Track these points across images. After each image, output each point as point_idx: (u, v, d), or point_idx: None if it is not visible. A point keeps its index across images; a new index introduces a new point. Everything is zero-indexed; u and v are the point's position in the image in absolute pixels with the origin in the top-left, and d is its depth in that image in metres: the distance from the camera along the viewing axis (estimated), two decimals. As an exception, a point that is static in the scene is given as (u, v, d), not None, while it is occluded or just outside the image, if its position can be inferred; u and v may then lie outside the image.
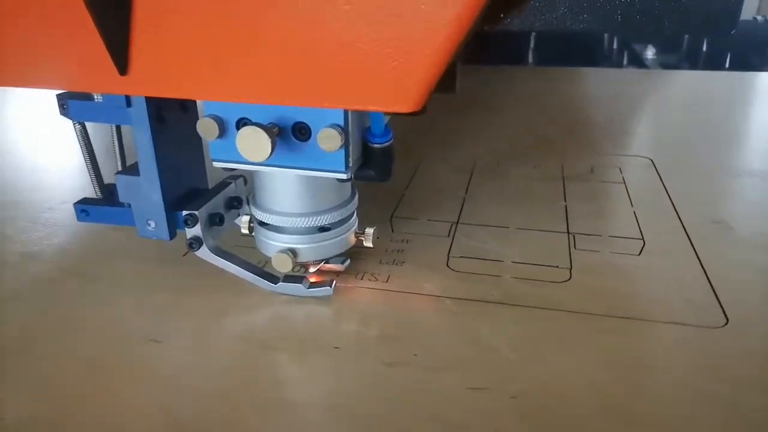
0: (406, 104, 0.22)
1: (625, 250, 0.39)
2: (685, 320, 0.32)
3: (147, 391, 0.28)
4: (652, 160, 0.54)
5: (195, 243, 0.32)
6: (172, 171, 0.32)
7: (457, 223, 0.43)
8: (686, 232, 0.41)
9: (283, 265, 0.32)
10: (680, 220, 0.43)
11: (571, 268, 0.37)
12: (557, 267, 0.37)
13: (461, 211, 0.45)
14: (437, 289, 0.35)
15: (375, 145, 0.30)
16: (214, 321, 0.33)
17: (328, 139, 0.27)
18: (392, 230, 0.42)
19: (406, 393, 0.27)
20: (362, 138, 0.30)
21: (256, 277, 0.34)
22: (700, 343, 0.30)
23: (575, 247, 0.39)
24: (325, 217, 0.32)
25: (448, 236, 0.41)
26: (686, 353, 0.30)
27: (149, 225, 0.32)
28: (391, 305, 0.34)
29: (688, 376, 0.28)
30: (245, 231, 0.34)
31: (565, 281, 0.36)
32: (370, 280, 0.36)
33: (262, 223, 0.33)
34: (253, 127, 0.26)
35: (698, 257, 0.38)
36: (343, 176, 0.29)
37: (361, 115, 0.29)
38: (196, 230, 0.32)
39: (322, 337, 0.31)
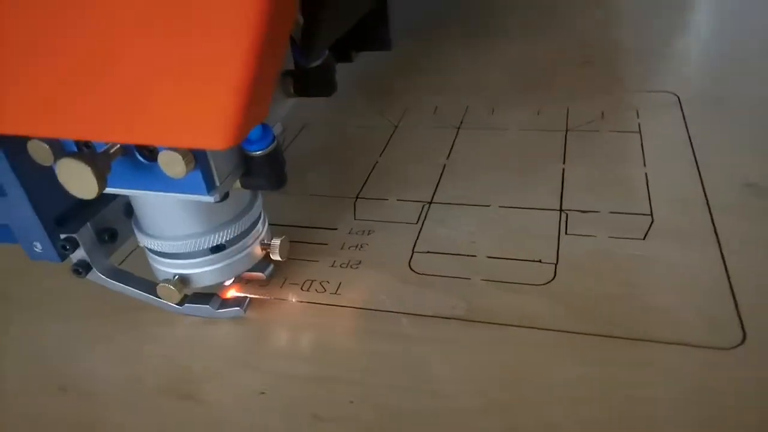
0: (216, 142, 0.18)
1: (627, 233, 0.32)
2: (690, 339, 0.26)
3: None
4: (678, 97, 0.45)
5: (81, 268, 0.28)
6: (46, 183, 0.26)
7: (431, 203, 0.36)
8: (707, 202, 0.33)
9: (169, 297, 0.28)
10: (702, 184, 0.35)
11: (557, 263, 0.31)
12: (540, 262, 0.31)
13: (438, 185, 0.38)
14: (393, 302, 0.30)
15: (253, 154, 0.25)
16: (127, 356, 0.29)
17: (170, 164, 0.21)
18: (355, 217, 0.36)
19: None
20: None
21: (159, 300, 0.29)
22: (703, 372, 0.24)
23: (566, 231, 0.33)
24: (216, 236, 0.27)
25: (417, 222, 0.35)
26: (684, 389, 0.24)
27: (36, 247, 0.28)
28: (334, 328, 0.29)
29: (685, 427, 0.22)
30: (142, 244, 0.29)
31: (548, 283, 0.30)
32: (317, 291, 0.31)
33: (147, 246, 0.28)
34: (72, 160, 0.20)
35: (718, 241, 0.31)
36: (210, 199, 0.24)
37: None
38: (79, 253, 0.28)
39: (248, 378, 0.27)
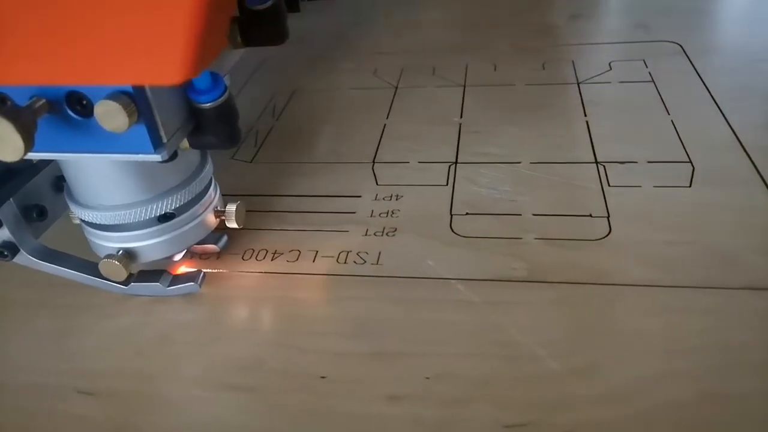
0: (169, 76, 0.16)
1: (671, 181, 0.31)
2: (760, 282, 0.25)
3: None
4: (681, 46, 0.44)
5: (6, 251, 0.25)
6: None
7: (456, 163, 0.34)
8: (742, 146, 0.33)
9: (114, 274, 0.25)
10: (731, 128, 0.34)
11: (609, 217, 0.29)
12: (591, 216, 0.29)
13: (458, 144, 0.36)
14: (443, 269, 0.27)
15: (203, 105, 0.22)
16: (131, 347, 0.25)
17: (109, 116, 0.19)
18: (377, 182, 0.33)
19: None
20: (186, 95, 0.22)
21: (100, 280, 0.26)
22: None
23: (609, 183, 0.31)
24: (164, 204, 0.24)
25: (447, 184, 0.33)
26: (763, 333, 0.23)
27: None
28: (384, 300, 0.26)
29: (789, 372, 0.21)
30: (77, 221, 0.26)
31: (605, 237, 0.28)
32: (356, 262, 0.28)
33: (83, 219, 0.25)
34: None
35: (764, 181, 0.30)
36: (156, 158, 0.21)
37: None
38: (3, 234, 0.24)
39: (298, 361, 0.24)
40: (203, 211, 0.26)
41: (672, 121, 0.35)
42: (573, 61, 0.44)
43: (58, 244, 0.27)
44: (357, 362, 0.23)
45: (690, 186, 0.30)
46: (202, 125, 0.23)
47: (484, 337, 0.24)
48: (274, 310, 0.26)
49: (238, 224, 0.27)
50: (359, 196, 0.32)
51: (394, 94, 0.42)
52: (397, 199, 0.32)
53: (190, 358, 0.24)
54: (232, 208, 0.27)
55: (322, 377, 0.23)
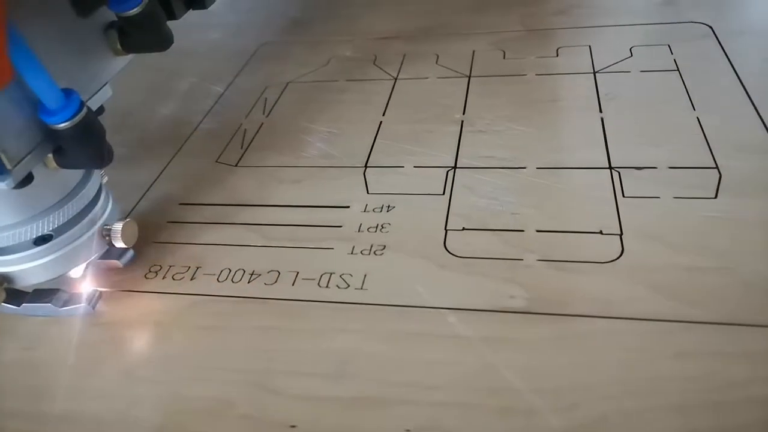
0: None
1: (694, 191, 0.27)
2: (801, 317, 0.21)
3: None
4: (711, 28, 0.40)
5: None
6: None
7: (455, 168, 0.31)
8: (778, 148, 0.29)
9: None
10: (765, 126, 0.30)
11: (621, 234, 0.26)
12: (601, 233, 0.26)
13: (459, 146, 0.33)
14: (434, 296, 0.24)
15: (56, 126, 0.20)
16: (84, 385, 0.23)
17: None
18: (367, 190, 0.31)
19: None
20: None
21: None
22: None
23: (623, 194, 0.28)
24: (38, 226, 0.23)
25: (444, 193, 0.30)
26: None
27: None
28: (370, 334, 0.23)
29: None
30: None
31: (617, 259, 0.25)
32: (339, 287, 0.26)
33: None
34: None
35: (803, 193, 0.26)
36: (2, 185, 0.19)
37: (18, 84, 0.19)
38: None
39: (266, 405, 0.21)
40: (87, 231, 0.24)
41: (698, 117, 0.32)
42: (590, 47, 0.40)
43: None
44: (333, 409, 0.21)
45: (716, 197, 0.27)
46: (62, 146, 0.21)
47: (476, 381, 0.21)
48: (248, 343, 0.24)
49: (126, 244, 0.25)
50: (347, 207, 0.30)
51: (393, 86, 0.39)
52: (388, 211, 0.29)
53: (153, 396, 0.22)
54: (118, 227, 0.25)
55: (292, 426, 0.21)
